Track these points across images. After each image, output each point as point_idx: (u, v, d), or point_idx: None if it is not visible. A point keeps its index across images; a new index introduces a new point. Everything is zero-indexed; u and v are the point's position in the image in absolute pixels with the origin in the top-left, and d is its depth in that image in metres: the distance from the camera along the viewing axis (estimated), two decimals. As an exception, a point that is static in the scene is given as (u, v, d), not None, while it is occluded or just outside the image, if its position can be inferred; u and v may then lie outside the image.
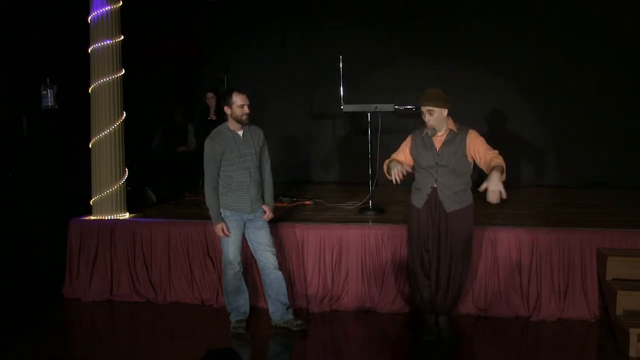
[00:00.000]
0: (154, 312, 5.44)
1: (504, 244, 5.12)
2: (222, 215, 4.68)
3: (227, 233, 4.65)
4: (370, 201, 6.11)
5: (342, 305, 5.32)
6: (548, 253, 5.06)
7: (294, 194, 7.26)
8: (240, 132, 4.67)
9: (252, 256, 5.12)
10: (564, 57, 8.10)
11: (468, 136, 4.38)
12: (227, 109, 4.63)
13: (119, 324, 5.40)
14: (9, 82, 7.09)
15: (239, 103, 4.57)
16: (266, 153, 4.82)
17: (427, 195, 4.44)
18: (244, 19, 9.11)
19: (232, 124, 4.67)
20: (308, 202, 6.84)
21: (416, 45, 8.49)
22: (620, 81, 7.97)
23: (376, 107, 6.03)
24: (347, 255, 5.33)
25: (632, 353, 4.22)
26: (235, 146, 4.61)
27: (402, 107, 6.25)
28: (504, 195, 4.03)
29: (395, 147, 4.70)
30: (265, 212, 4.78)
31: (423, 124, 4.46)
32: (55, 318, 5.39)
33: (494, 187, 4.01)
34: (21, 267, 6.68)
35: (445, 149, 4.39)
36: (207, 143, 4.63)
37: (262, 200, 4.80)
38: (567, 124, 8.17)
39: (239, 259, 4.75)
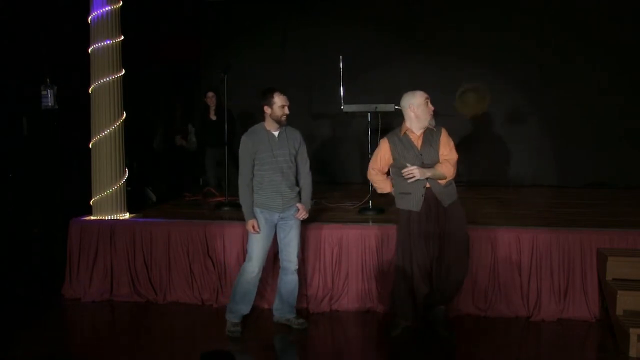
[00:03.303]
0: (154, 312, 5.44)
1: (504, 244, 5.12)
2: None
3: (257, 229, 4.62)
4: (370, 201, 6.11)
5: (342, 305, 5.32)
6: (548, 253, 5.06)
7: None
8: (276, 133, 4.65)
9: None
10: (564, 57, 8.10)
11: (442, 135, 4.50)
12: (267, 109, 4.60)
13: (119, 324, 5.40)
14: (9, 82, 7.09)
15: (280, 104, 4.57)
16: (304, 154, 4.78)
17: (423, 195, 4.46)
18: (244, 19, 9.11)
19: (268, 124, 4.65)
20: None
21: (416, 45, 8.49)
22: (620, 81, 7.97)
23: (376, 107, 6.02)
24: (347, 255, 5.33)
25: (632, 353, 4.23)
26: (268, 146, 4.59)
27: (402, 107, 6.23)
28: (418, 176, 4.36)
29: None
30: (298, 210, 4.74)
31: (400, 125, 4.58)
32: (55, 318, 5.38)
33: (418, 171, 4.36)
34: (21, 267, 6.68)
35: (426, 147, 4.47)
36: (243, 139, 4.65)
37: (297, 199, 4.75)
38: (567, 124, 8.17)
39: (261, 261, 4.69)
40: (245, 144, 4.61)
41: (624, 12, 7.90)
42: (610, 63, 7.96)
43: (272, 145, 4.61)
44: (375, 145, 6.09)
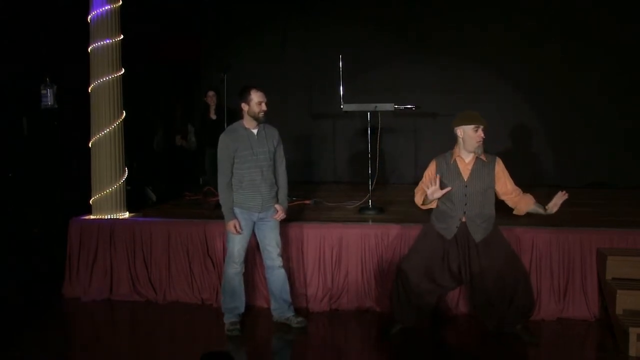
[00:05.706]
0: (154, 311, 5.43)
1: (504, 244, 5.10)
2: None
3: (240, 230, 4.62)
4: (370, 201, 6.11)
5: (342, 305, 5.32)
6: (548, 253, 5.06)
7: (294, 194, 7.25)
8: (255, 131, 4.64)
9: (253, 255, 5.12)
10: (564, 57, 8.11)
11: (497, 167, 4.30)
12: (244, 106, 4.59)
13: (119, 323, 5.40)
14: (9, 82, 7.09)
15: (257, 100, 4.56)
16: (281, 153, 4.77)
17: (457, 227, 4.36)
18: (244, 19, 9.12)
19: (247, 122, 4.64)
20: (308, 202, 6.84)
21: (416, 45, 8.49)
22: (620, 81, 7.97)
23: (376, 107, 6.03)
24: (347, 254, 5.33)
25: (632, 352, 4.22)
26: (248, 144, 4.57)
27: (402, 107, 6.25)
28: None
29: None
30: (277, 212, 4.74)
31: (453, 144, 4.35)
32: (55, 318, 5.38)
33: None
34: (21, 266, 6.68)
35: (473, 180, 4.27)
36: (221, 138, 4.62)
37: (276, 199, 4.76)
38: (567, 124, 8.17)
39: (242, 258, 4.72)
40: (224, 142, 4.58)
41: (624, 12, 7.90)
42: (610, 63, 7.96)
43: (252, 143, 4.59)
44: (374, 144, 6.14)
